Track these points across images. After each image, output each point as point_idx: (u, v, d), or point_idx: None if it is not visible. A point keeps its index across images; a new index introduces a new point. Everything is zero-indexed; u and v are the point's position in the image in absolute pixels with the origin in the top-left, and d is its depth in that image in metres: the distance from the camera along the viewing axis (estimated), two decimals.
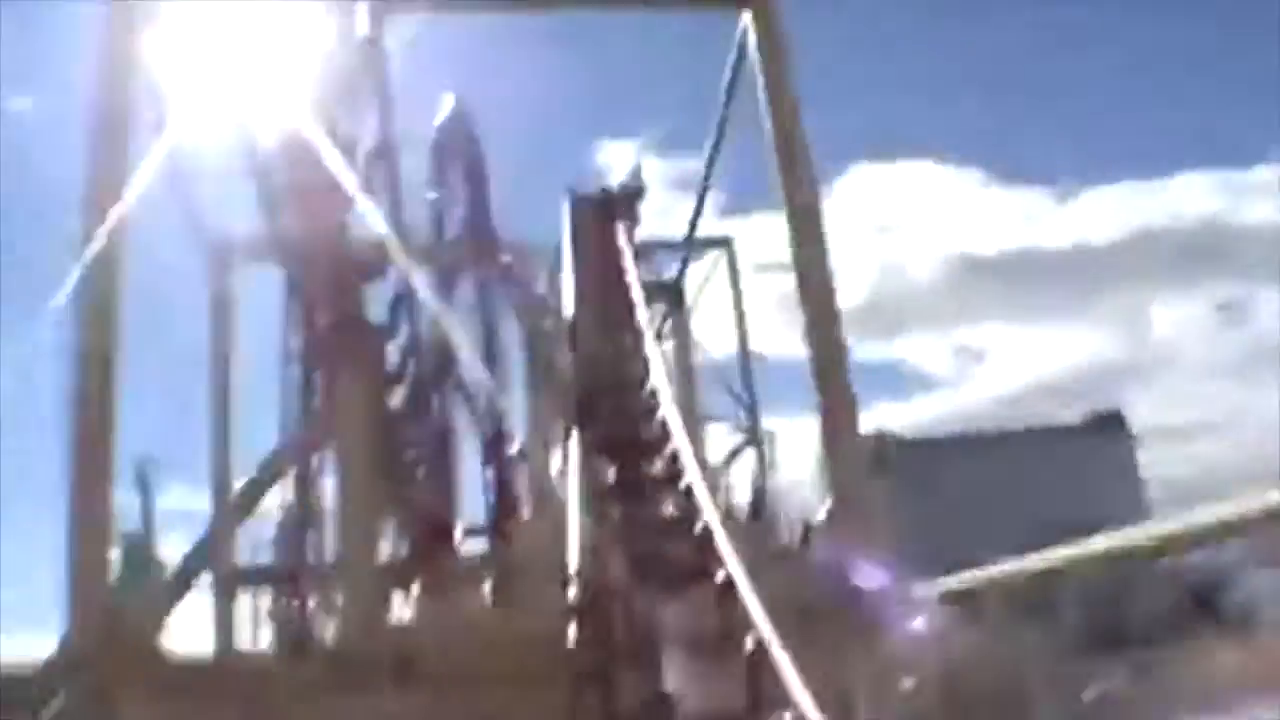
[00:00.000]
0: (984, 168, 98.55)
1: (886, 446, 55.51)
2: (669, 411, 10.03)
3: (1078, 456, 53.23)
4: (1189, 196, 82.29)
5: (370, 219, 11.70)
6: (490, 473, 21.98)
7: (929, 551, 49.13)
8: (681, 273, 21.44)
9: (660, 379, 10.86)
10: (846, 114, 66.79)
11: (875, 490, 47.76)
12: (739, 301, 21.57)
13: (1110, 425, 56.52)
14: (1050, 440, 55.36)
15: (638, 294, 13.35)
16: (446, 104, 20.35)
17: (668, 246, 20.54)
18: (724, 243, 21.79)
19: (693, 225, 19.62)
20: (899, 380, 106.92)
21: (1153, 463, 56.09)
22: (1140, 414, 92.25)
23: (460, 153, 20.15)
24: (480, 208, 20.06)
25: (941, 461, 54.81)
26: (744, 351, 21.45)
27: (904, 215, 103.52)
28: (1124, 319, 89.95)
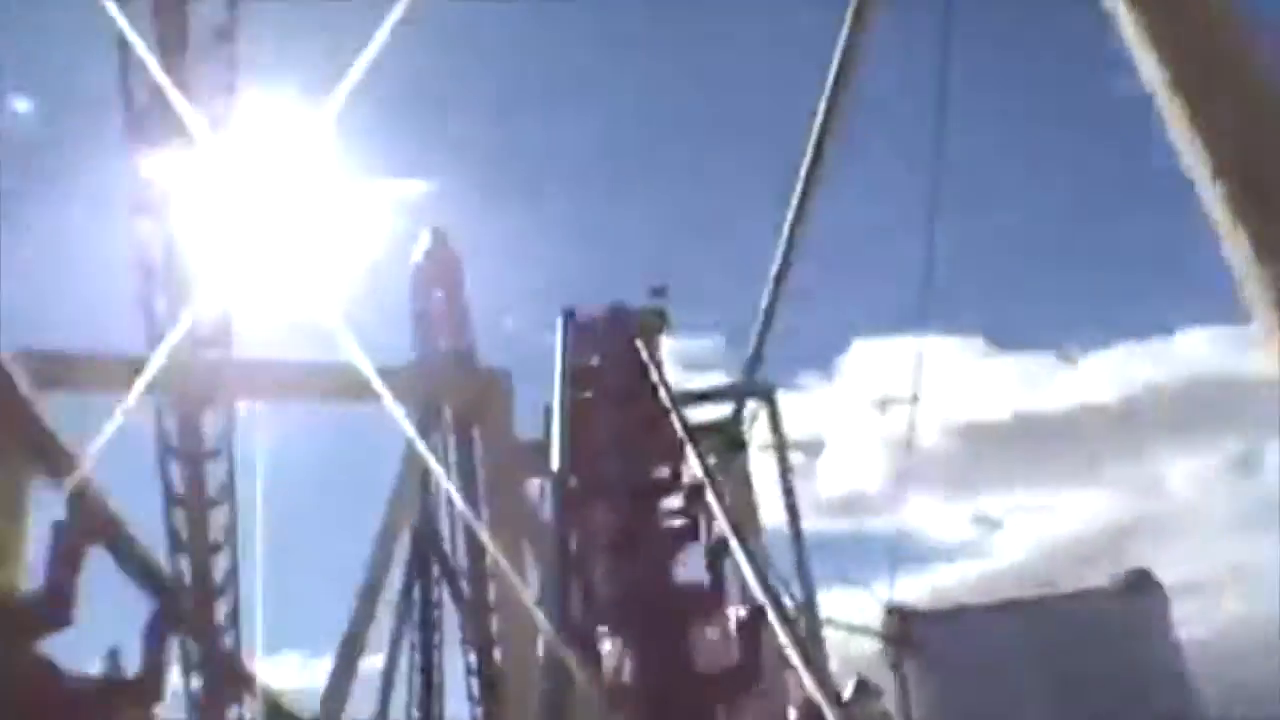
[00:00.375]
0: (985, 336, 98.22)
1: (908, 622, 54.63)
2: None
3: (1111, 618, 49.68)
4: (1191, 353, 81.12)
5: None
6: (472, 656, 18.71)
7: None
8: (737, 414, 17.60)
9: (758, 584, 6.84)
10: (846, 292, 66.48)
11: (905, 671, 42.25)
12: (784, 458, 17.65)
13: (1142, 585, 53.48)
14: (1082, 602, 51.45)
15: (682, 430, 9.10)
16: (424, 238, 18.95)
17: (699, 396, 17.11)
18: (766, 393, 18.09)
19: (754, 356, 15.94)
20: (917, 551, 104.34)
21: (1179, 621, 53.95)
22: (1161, 572, 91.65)
23: (440, 278, 18.43)
24: (461, 331, 17.58)
25: (969, 630, 49.99)
26: (793, 517, 17.41)
27: (908, 387, 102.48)
28: (1137, 478, 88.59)
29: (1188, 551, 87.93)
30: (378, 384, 9.62)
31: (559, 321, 12.76)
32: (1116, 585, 54.05)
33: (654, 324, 12.52)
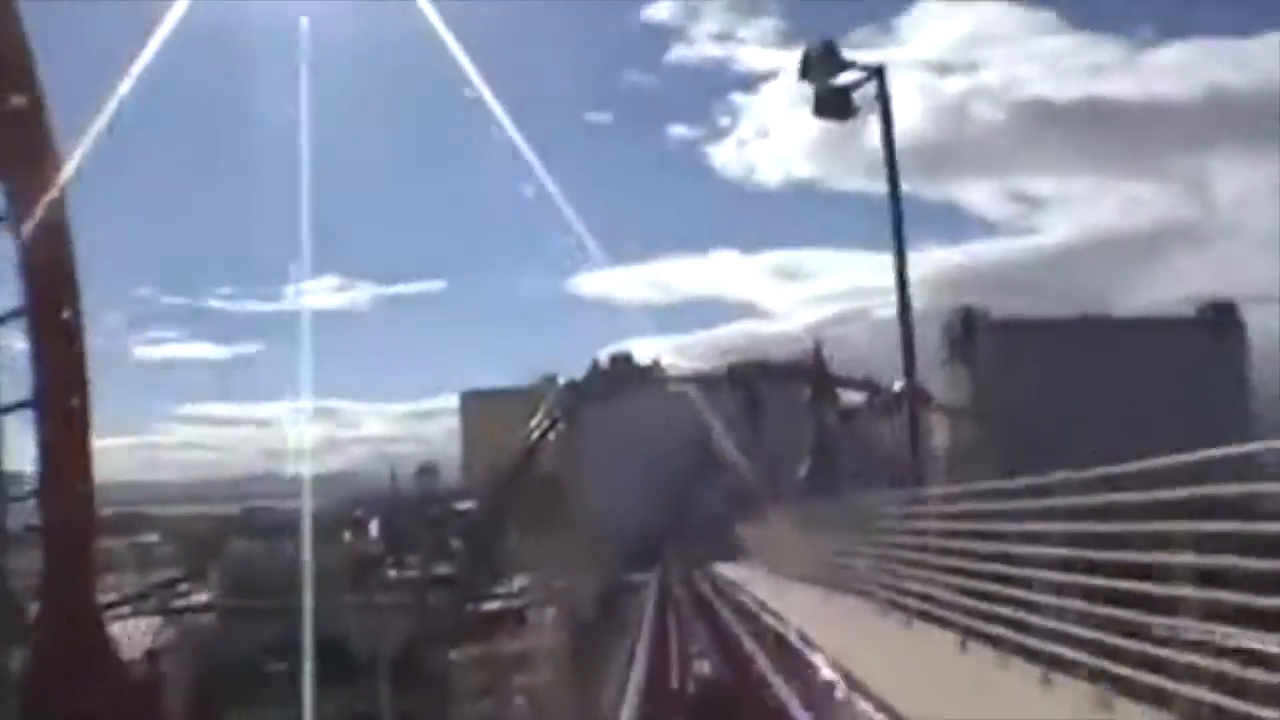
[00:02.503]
0: (1058, 11, 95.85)
1: (975, 324, 51.64)
2: None
3: (1189, 354, 50.28)
4: (1267, 59, 71.92)
5: None
6: None
7: (1017, 441, 48.88)
8: None
9: None
10: None
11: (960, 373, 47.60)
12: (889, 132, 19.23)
13: (1225, 321, 53.49)
14: (1159, 332, 51.53)
15: None
16: None
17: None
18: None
19: None
20: (953, 224, 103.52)
21: None
22: (1197, 280, 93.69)
23: None
24: None
25: (1038, 346, 50.03)
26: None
27: (969, 56, 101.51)
28: (1189, 181, 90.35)
29: (1225, 263, 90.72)
30: None
31: None
32: (1199, 318, 52.68)
33: None
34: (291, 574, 57.73)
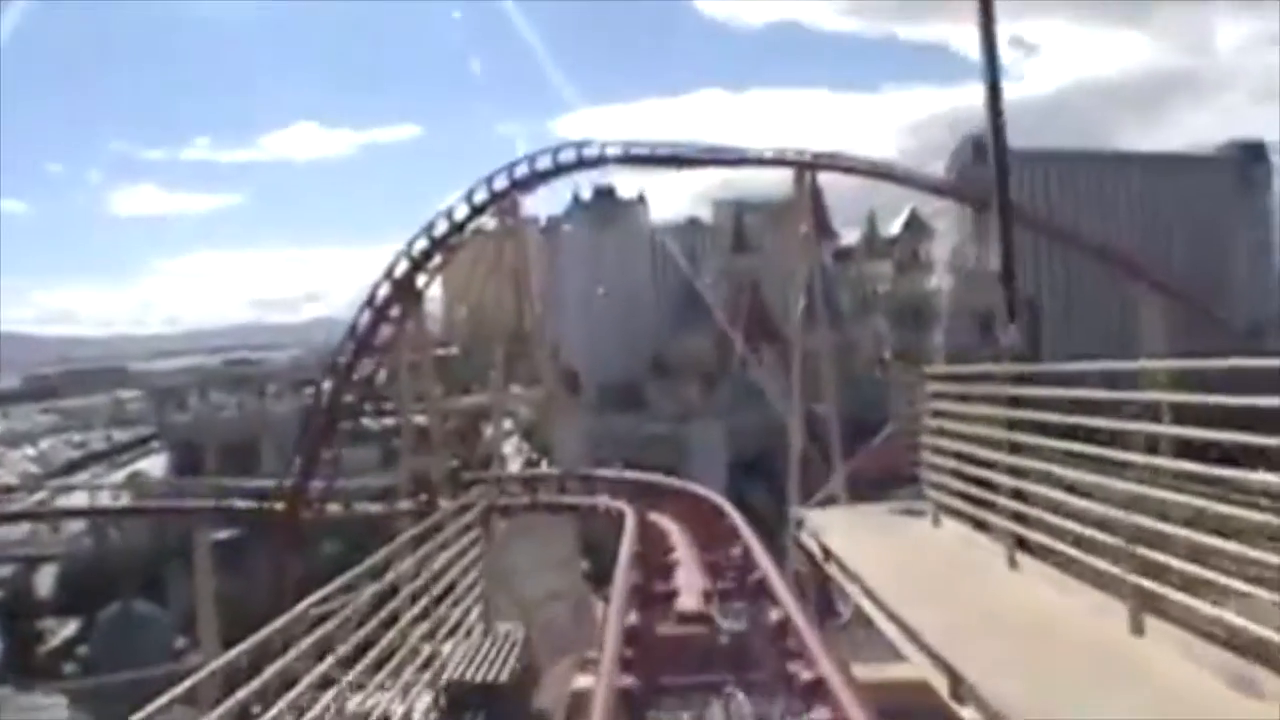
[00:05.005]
0: None
1: (985, 152, 50.01)
2: None
3: (1214, 191, 48.05)
4: None
5: None
6: None
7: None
8: None
9: None
10: None
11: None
12: None
13: (1253, 160, 50.51)
14: (1183, 169, 49.08)
15: None
16: None
17: None
18: None
19: None
20: (944, 65, 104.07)
21: None
22: (1195, 128, 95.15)
23: None
24: None
25: (1056, 179, 47.05)
26: None
27: None
28: (1186, 30, 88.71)
29: (1223, 114, 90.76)
30: None
31: None
32: (1224, 156, 49.92)
33: None
34: (249, 429, 55.02)
